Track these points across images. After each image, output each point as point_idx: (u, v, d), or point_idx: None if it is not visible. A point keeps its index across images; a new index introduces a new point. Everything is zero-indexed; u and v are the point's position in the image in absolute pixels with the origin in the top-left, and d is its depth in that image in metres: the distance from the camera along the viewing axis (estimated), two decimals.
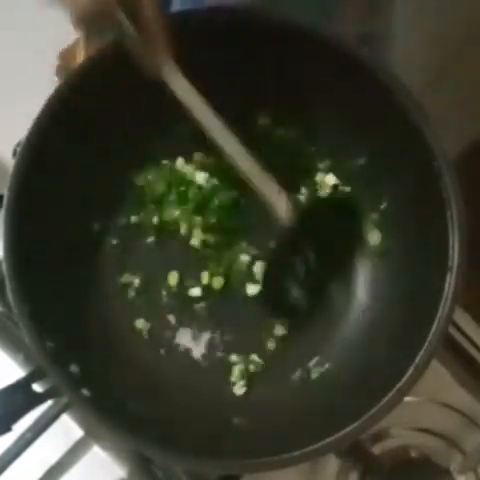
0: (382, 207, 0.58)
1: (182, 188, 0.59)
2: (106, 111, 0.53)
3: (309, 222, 0.55)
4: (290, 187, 0.60)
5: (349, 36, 0.55)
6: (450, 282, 0.49)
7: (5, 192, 0.50)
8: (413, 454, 0.64)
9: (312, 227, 0.55)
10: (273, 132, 0.60)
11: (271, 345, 0.58)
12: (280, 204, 0.52)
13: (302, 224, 0.53)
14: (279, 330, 0.58)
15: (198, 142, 0.58)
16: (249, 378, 0.57)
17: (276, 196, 0.51)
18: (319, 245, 0.57)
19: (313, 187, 0.60)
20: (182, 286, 0.59)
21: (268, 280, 0.57)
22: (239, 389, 0.57)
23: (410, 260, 0.55)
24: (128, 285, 0.59)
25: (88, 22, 0.43)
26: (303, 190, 0.60)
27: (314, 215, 0.56)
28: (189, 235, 0.59)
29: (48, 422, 0.58)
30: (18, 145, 0.51)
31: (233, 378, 0.57)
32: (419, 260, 0.54)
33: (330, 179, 0.60)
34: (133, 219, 0.59)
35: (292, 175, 0.60)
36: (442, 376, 0.66)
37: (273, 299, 0.58)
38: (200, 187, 0.59)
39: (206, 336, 0.59)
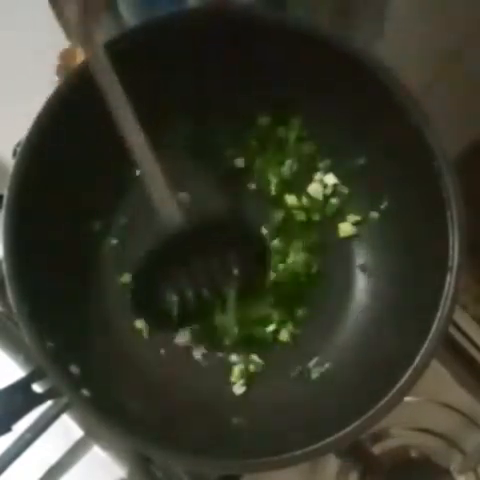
0: (382, 207, 0.58)
1: None
2: (106, 111, 0.53)
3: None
4: (289, 187, 0.61)
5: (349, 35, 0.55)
6: (450, 282, 0.49)
7: (5, 192, 0.50)
8: (413, 454, 0.64)
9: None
10: (273, 132, 0.60)
11: (271, 345, 0.58)
12: (168, 211, 0.50)
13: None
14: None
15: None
16: (249, 378, 0.57)
17: (165, 200, 0.50)
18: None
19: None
20: None
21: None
22: (239, 389, 0.57)
23: (410, 260, 0.55)
24: (128, 285, 0.59)
25: None
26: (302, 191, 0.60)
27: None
28: None
29: (48, 422, 0.58)
30: (18, 145, 0.51)
31: (233, 378, 0.57)
32: (419, 260, 0.54)
33: (330, 179, 0.60)
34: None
35: (292, 175, 0.60)
36: (442, 376, 0.66)
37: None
38: None
39: None
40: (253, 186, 0.61)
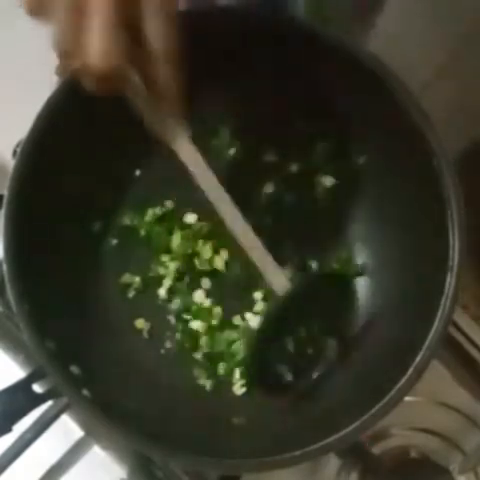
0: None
1: None
2: (106, 111, 0.53)
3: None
4: (289, 187, 0.61)
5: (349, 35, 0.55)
6: (450, 282, 0.49)
7: (5, 192, 0.50)
8: (413, 454, 0.64)
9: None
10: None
11: None
12: (276, 278, 0.51)
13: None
14: None
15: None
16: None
17: (272, 270, 0.51)
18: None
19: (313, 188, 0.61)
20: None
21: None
22: (239, 389, 0.57)
23: (410, 260, 0.55)
24: (128, 285, 0.59)
25: (99, 84, 0.39)
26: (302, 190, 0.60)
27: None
28: None
29: (48, 422, 0.58)
30: (18, 145, 0.51)
31: (234, 379, 0.57)
32: (419, 260, 0.54)
33: (330, 180, 0.60)
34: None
35: (292, 175, 0.60)
36: (442, 376, 0.66)
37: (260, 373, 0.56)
38: None
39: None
40: None
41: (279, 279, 0.51)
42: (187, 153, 0.47)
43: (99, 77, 0.38)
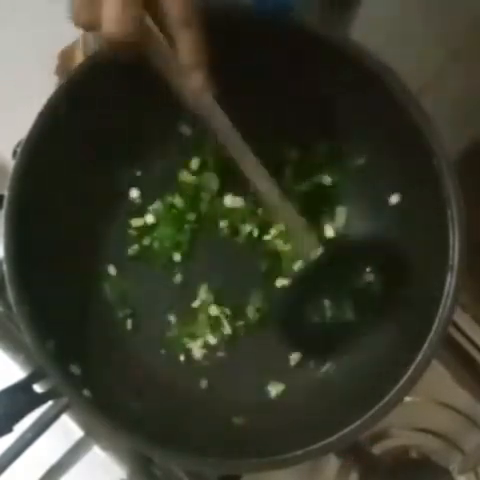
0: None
1: None
2: (107, 111, 0.53)
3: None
4: (289, 187, 0.61)
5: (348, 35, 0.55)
6: (450, 282, 0.49)
7: (5, 192, 0.50)
8: (413, 454, 0.64)
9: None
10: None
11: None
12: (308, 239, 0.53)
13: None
14: None
15: (198, 145, 0.58)
16: None
17: (303, 230, 0.53)
18: None
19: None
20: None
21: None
22: None
23: (410, 259, 0.55)
24: None
25: (119, 50, 0.41)
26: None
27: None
28: None
29: (48, 422, 0.58)
30: (18, 145, 0.51)
31: None
32: (419, 260, 0.54)
33: (329, 180, 0.60)
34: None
35: (291, 174, 0.60)
36: (442, 376, 0.66)
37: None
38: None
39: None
40: None
41: (310, 240, 0.53)
42: (211, 111, 0.49)
43: (116, 44, 0.40)
